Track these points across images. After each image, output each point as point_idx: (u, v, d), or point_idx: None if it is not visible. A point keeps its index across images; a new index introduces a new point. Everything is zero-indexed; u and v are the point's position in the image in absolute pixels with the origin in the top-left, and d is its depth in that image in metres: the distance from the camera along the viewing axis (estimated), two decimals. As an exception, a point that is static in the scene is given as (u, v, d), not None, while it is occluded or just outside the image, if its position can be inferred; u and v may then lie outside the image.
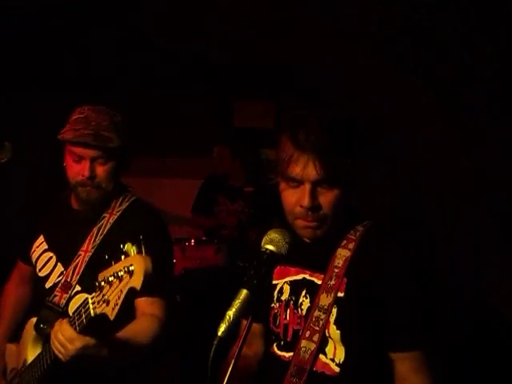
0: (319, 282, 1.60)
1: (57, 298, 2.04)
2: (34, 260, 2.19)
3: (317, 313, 1.56)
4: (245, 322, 1.33)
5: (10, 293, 2.35)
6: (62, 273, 2.08)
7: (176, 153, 5.52)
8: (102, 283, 1.61)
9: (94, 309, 1.63)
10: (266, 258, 1.38)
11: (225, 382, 1.27)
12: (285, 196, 1.58)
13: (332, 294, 1.55)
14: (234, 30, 4.31)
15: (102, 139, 1.99)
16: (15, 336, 2.21)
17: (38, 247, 2.19)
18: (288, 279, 1.68)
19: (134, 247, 1.71)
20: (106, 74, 4.95)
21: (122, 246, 1.73)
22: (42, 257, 2.16)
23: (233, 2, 3.78)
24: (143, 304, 1.97)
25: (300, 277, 1.65)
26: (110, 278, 1.59)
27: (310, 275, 1.63)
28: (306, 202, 1.51)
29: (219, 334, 1.25)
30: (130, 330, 1.90)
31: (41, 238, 2.20)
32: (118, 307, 1.57)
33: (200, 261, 4.18)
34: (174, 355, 3.53)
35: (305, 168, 1.50)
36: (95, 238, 2.07)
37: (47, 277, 2.12)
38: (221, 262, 4.23)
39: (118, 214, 2.11)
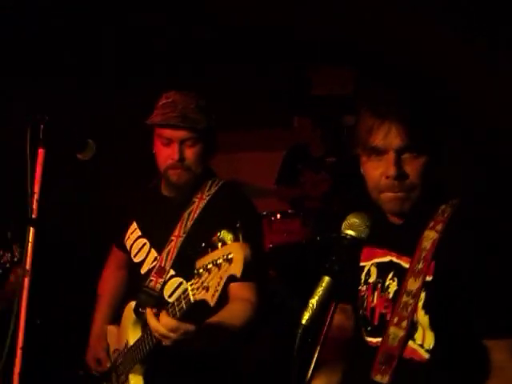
0: (406, 266, 1.56)
1: (152, 283, 2.11)
2: (128, 246, 2.27)
3: (405, 298, 1.52)
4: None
5: (108, 278, 2.46)
6: (155, 258, 2.15)
7: (257, 125, 5.50)
8: (201, 270, 1.64)
9: (193, 295, 1.65)
10: (346, 243, 1.36)
11: (312, 366, 1.29)
12: (367, 170, 1.54)
13: (420, 278, 1.51)
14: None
15: (190, 120, 2.03)
16: (115, 318, 2.32)
17: (131, 234, 2.27)
18: (375, 261, 1.66)
19: (230, 235, 1.73)
20: (183, 48, 4.98)
21: (217, 233, 1.77)
22: (136, 243, 2.24)
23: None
24: (237, 288, 1.99)
25: (387, 259, 1.62)
26: (209, 266, 1.61)
27: (397, 257, 1.59)
28: (392, 170, 1.47)
29: (303, 322, 1.26)
30: (225, 315, 1.93)
31: (134, 225, 2.27)
32: (218, 293, 1.59)
33: (287, 234, 4.20)
34: (266, 331, 3.59)
35: (387, 136, 1.46)
36: (186, 223, 2.12)
37: (142, 262, 2.19)
38: (308, 235, 4.23)
39: (208, 198, 2.15)
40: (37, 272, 1.74)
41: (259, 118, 5.45)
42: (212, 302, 1.61)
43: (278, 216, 4.29)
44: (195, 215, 2.13)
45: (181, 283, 2.05)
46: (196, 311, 1.71)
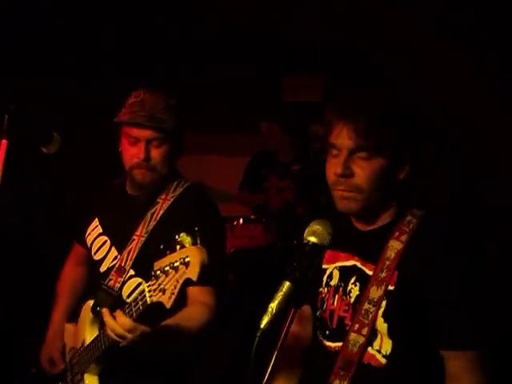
0: (370, 273, 1.58)
1: (112, 282, 2.09)
2: (89, 243, 2.24)
3: (366, 305, 1.55)
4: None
5: (68, 274, 2.42)
6: (116, 257, 2.13)
7: (224, 129, 5.50)
8: (158, 272, 1.64)
9: (150, 297, 1.65)
10: (308, 249, 1.38)
11: (268, 370, 1.30)
12: (327, 168, 1.59)
13: (382, 287, 1.53)
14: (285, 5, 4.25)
15: (157, 120, 2.02)
16: (73, 316, 2.28)
17: (92, 230, 2.24)
18: (338, 264, 1.68)
19: (188, 238, 1.73)
20: (158, 48, 4.96)
21: (176, 236, 1.77)
22: (97, 240, 2.22)
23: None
24: (195, 292, 2.00)
25: (350, 263, 1.64)
26: (166, 268, 1.62)
27: (361, 264, 1.62)
28: (339, 168, 1.52)
29: (262, 326, 1.27)
30: (181, 317, 1.93)
31: (95, 222, 2.25)
32: (174, 296, 1.60)
33: (249, 239, 4.21)
34: (229, 331, 3.60)
35: (340, 134, 1.51)
36: (148, 223, 2.11)
37: (102, 260, 2.17)
38: (269, 240, 4.24)
39: (172, 199, 2.14)
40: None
41: (228, 121, 5.46)
42: (168, 305, 1.61)
43: (241, 221, 4.30)
44: (158, 216, 2.12)
45: (140, 283, 2.01)
46: (152, 313, 1.70)
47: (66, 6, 3.88)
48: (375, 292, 1.54)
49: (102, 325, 1.98)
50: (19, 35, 3.85)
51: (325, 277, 1.70)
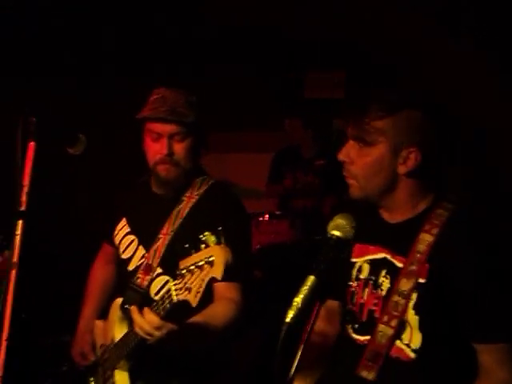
0: (400, 265, 1.58)
1: (139, 280, 2.12)
2: (117, 242, 2.28)
3: (396, 297, 1.55)
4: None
5: (97, 273, 2.46)
6: (143, 255, 2.15)
7: (249, 127, 5.53)
8: (184, 271, 1.66)
9: (176, 295, 1.67)
10: (332, 243, 1.39)
11: (295, 364, 1.31)
12: None
13: (413, 280, 1.53)
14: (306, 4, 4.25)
15: (178, 114, 2.04)
16: (102, 314, 2.32)
17: (120, 230, 2.27)
18: (368, 258, 1.68)
19: (213, 237, 1.75)
20: (180, 48, 4.99)
21: (201, 235, 1.77)
22: (125, 239, 2.24)
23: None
24: (221, 288, 2.01)
25: (381, 256, 1.64)
26: (191, 267, 1.64)
27: (392, 256, 1.62)
28: (339, 154, 1.63)
29: (287, 320, 1.28)
30: (208, 314, 1.94)
31: (123, 221, 2.28)
32: (199, 295, 1.61)
33: (274, 235, 4.22)
34: (255, 328, 3.61)
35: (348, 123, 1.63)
36: (174, 221, 2.13)
37: (130, 259, 2.20)
38: (295, 236, 4.25)
39: (197, 197, 2.15)
40: (24, 265, 1.74)
41: (251, 119, 5.48)
42: (194, 303, 1.63)
43: (266, 217, 4.32)
44: (183, 214, 2.13)
45: (167, 281, 2.03)
46: (179, 310, 1.72)
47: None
48: (405, 284, 1.55)
49: (130, 322, 2.00)
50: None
51: (354, 270, 1.70)
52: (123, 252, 2.24)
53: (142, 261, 2.16)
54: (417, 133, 1.54)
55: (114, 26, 4.39)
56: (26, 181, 1.75)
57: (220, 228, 1.94)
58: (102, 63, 4.55)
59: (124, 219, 2.29)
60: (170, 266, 1.97)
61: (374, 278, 1.64)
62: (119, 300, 2.15)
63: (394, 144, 1.54)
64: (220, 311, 2.00)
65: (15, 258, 1.71)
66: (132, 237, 2.23)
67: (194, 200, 2.15)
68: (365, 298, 1.65)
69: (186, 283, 1.65)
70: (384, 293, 1.61)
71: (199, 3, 4.64)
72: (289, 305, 1.31)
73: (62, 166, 2.97)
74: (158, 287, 2.09)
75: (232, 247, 1.63)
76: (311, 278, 1.33)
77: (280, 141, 5.00)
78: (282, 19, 4.81)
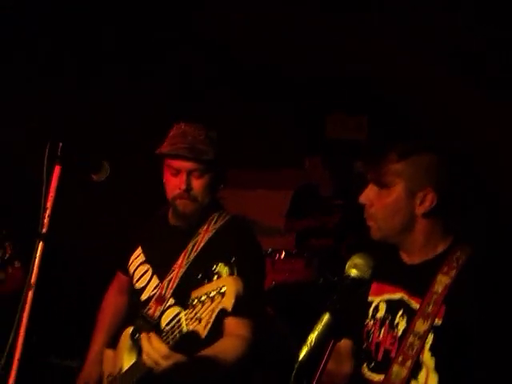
0: (416, 306, 1.59)
1: (151, 311, 2.11)
2: (131, 271, 2.28)
3: (412, 338, 1.55)
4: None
5: (110, 302, 2.46)
6: (157, 285, 2.16)
7: (268, 164, 5.58)
8: (195, 301, 1.66)
9: (186, 325, 1.67)
10: (349, 283, 1.39)
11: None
12: None
13: (429, 321, 1.54)
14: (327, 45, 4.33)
15: (198, 152, 2.06)
16: (113, 343, 2.30)
17: (135, 259, 2.28)
18: (385, 297, 1.69)
19: (226, 268, 1.74)
20: (199, 87, 5.07)
21: (214, 267, 1.77)
22: (139, 269, 2.25)
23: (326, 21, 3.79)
24: (231, 324, 2.00)
25: (398, 296, 1.65)
26: (203, 298, 1.64)
27: (409, 297, 1.62)
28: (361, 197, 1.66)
29: (300, 357, 1.28)
30: (217, 349, 1.94)
31: (139, 250, 2.29)
32: (209, 326, 1.61)
33: (289, 273, 4.21)
34: (270, 365, 3.57)
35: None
36: (189, 254, 2.13)
37: (143, 289, 2.20)
38: (310, 276, 4.22)
39: (213, 231, 2.16)
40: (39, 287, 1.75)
41: (272, 156, 5.53)
42: (203, 334, 1.63)
43: (282, 255, 4.30)
44: (199, 247, 2.14)
45: (179, 313, 2.04)
46: (188, 342, 1.72)
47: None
48: (421, 325, 1.55)
49: (139, 352, 1.99)
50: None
51: (371, 309, 1.71)
52: (137, 281, 2.25)
53: (155, 291, 2.16)
54: (432, 175, 1.59)
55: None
56: (49, 203, 1.78)
57: (233, 259, 1.95)
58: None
59: (140, 248, 2.30)
60: (183, 297, 1.96)
61: (390, 318, 1.65)
62: (130, 329, 2.15)
63: (410, 186, 1.59)
64: (229, 347, 1.99)
65: (33, 280, 1.73)
66: (147, 266, 2.24)
67: (210, 234, 2.16)
68: (381, 337, 1.66)
69: (196, 313, 1.65)
70: (400, 333, 1.61)
71: (225, 40, 4.73)
72: (302, 342, 1.30)
73: (83, 192, 3.00)
74: (170, 318, 2.07)
75: (244, 280, 1.64)
76: (326, 315, 1.33)
77: (297, 179, 5.03)
78: (307, 58, 4.89)
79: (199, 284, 1.70)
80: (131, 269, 2.29)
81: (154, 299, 2.14)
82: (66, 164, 1.84)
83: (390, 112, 5.00)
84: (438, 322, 1.54)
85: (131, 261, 2.30)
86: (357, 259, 1.42)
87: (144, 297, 2.19)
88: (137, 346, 2.06)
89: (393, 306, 1.65)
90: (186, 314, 1.69)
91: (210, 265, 1.85)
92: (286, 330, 3.80)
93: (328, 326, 1.31)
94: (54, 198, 1.79)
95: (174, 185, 2.11)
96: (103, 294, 2.50)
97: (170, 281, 2.13)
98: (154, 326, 2.06)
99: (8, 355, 1.70)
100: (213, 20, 4.25)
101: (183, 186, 2.08)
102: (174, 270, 2.13)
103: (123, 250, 2.39)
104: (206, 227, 2.18)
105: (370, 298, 1.72)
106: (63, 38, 4.25)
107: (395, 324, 1.63)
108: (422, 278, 1.60)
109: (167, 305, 2.11)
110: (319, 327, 1.31)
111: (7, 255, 2.08)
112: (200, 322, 1.63)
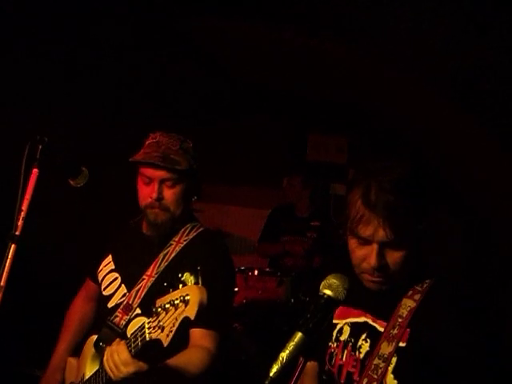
0: (381, 330, 1.60)
1: (117, 319, 2.10)
2: (100, 278, 2.27)
3: (376, 361, 1.56)
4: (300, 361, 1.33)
5: (77, 309, 2.43)
6: (124, 294, 2.15)
7: (247, 182, 5.60)
8: (159, 309, 1.65)
9: (149, 333, 1.66)
10: (323, 302, 1.38)
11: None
12: (351, 246, 1.60)
13: (393, 344, 1.55)
14: (314, 69, 4.37)
15: (170, 161, 2.07)
16: (76, 350, 2.29)
17: (105, 266, 2.27)
18: (349, 320, 1.69)
19: (191, 277, 1.73)
20: (184, 102, 5.08)
21: (180, 275, 1.75)
22: (108, 276, 2.24)
23: (312, 46, 3.84)
24: (196, 335, 2.00)
25: (362, 319, 1.66)
26: (167, 306, 1.63)
27: (373, 321, 1.64)
28: (373, 261, 1.53)
29: (271, 374, 1.27)
30: (180, 359, 1.93)
31: (109, 258, 2.28)
32: (172, 334, 1.60)
33: (262, 291, 4.21)
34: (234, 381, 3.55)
35: (375, 229, 1.51)
36: (160, 264, 2.13)
37: (110, 296, 2.19)
38: (282, 295, 4.22)
39: (185, 243, 2.16)
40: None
41: (251, 174, 5.54)
42: (165, 343, 1.61)
43: (256, 272, 4.30)
44: (170, 257, 2.14)
45: (143, 323, 2.03)
46: (151, 350, 1.70)
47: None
48: (386, 348, 1.55)
49: (102, 360, 1.96)
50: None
51: (335, 331, 1.71)
52: (105, 289, 2.23)
53: (122, 299, 2.15)
54: (426, 211, 1.55)
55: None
56: (25, 206, 1.76)
57: (199, 269, 1.94)
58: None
59: (110, 256, 2.29)
60: (150, 307, 1.96)
61: (353, 341, 1.65)
62: (94, 337, 2.12)
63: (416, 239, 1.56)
64: (193, 358, 1.98)
65: (3, 282, 1.70)
66: (116, 274, 2.23)
67: (181, 245, 2.16)
68: (344, 359, 1.66)
69: (159, 321, 1.64)
70: (362, 356, 1.61)
71: (218, 57, 4.75)
72: (272, 360, 1.29)
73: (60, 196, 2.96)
74: (135, 328, 2.03)
75: (209, 290, 1.62)
76: (298, 334, 1.32)
77: (274, 198, 5.05)
78: (291, 81, 4.93)
79: (164, 292, 1.69)
80: (100, 275, 2.27)
81: (120, 307, 2.13)
82: (44, 167, 1.82)
83: (369, 134, 5.04)
84: (402, 344, 1.55)
85: (101, 268, 2.29)
86: (332, 279, 1.42)
87: (111, 304, 2.17)
88: (100, 355, 2.04)
89: (357, 329, 1.66)
90: (149, 323, 1.68)
91: (177, 274, 1.83)
92: (253, 348, 3.78)
93: (300, 345, 1.30)
94: (30, 201, 1.77)
95: (145, 193, 2.12)
96: (70, 301, 2.46)
97: (138, 290, 2.12)
98: (120, 335, 2.04)
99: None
100: (205, 33, 4.26)
101: (154, 195, 2.09)
102: (143, 280, 2.12)
103: (93, 257, 2.37)
104: (178, 238, 2.18)
105: (334, 321, 1.72)
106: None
107: (358, 346, 1.63)
108: (388, 301, 1.61)
109: (134, 314, 2.09)
110: (291, 346, 1.30)
111: None
112: (163, 330, 1.62)
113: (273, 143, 5.60)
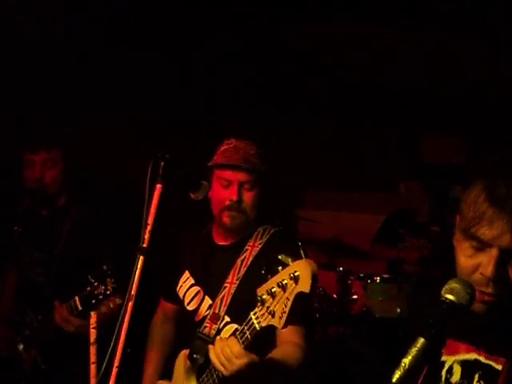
0: (498, 367, 1.38)
1: (207, 329, 2.13)
2: (181, 295, 2.29)
3: None
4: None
5: (156, 331, 2.44)
6: (210, 305, 2.18)
7: (361, 187, 5.50)
8: (264, 296, 1.64)
9: (258, 323, 1.66)
10: (445, 307, 1.33)
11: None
12: (460, 252, 1.38)
13: None
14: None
15: (251, 163, 2.13)
16: (164, 373, 2.30)
17: (184, 282, 2.30)
18: (458, 358, 1.49)
19: (289, 258, 1.70)
20: (297, 108, 5.10)
21: (276, 260, 1.76)
22: (190, 291, 2.27)
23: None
24: (285, 331, 1.93)
25: (472, 357, 1.45)
26: (274, 289, 1.61)
27: (486, 358, 1.42)
28: (489, 270, 1.29)
29: (393, 380, 1.25)
30: (279, 354, 1.94)
31: (186, 274, 2.31)
32: (285, 315, 1.59)
33: (382, 298, 4.13)
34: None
35: (499, 231, 1.27)
36: (239, 269, 2.16)
37: (196, 310, 2.22)
38: (402, 302, 4.11)
39: (260, 246, 2.19)
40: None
41: (364, 179, 5.46)
42: (280, 326, 1.61)
43: (378, 279, 4.22)
44: (248, 262, 2.17)
45: (236, 329, 2.00)
46: (261, 341, 1.72)
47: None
48: None
49: (199, 373, 2.02)
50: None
51: (443, 371, 1.51)
52: (188, 303, 2.26)
53: (208, 311, 2.17)
54: None
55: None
56: (151, 220, 1.88)
57: (295, 247, 1.88)
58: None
59: (187, 272, 2.31)
60: (238, 313, 1.99)
61: (466, 383, 1.45)
62: (185, 351, 2.12)
63: None
64: (290, 353, 1.98)
65: (133, 291, 1.81)
66: (197, 288, 2.26)
67: (257, 249, 2.18)
68: None
69: (268, 307, 1.63)
70: None
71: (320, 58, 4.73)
72: (396, 366, 1.27)
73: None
74: (227, 336, 2.04)
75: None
76: (421, 340, 1.28)
77: (390, 203, 4.92)
78: (402, 79, 4.82)
79: (262, 280, 1.67)
80: (181, 292, 2.29)
81: (208, 318, 2.16)
82: (166, 182, 1.93)
83: (491, 135, 4.79)
84: None
85: (180, 285, 2.31)
86: (454, 284, 1.33)
87: (198, 317, 2.20)
88: (196, 367, 2.06)
89: (468, 369, 1.44)
90: (255, 313, 1.67)
91: (269, 261, 1.77)
92: (374, 356, 3.71)
93: (422, 351, 1.26)
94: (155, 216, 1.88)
95: (223, 196, 2.15)
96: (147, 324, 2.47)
97: (222, 298, 2.15)
98: (212, 344, 2.01)
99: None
100: (304, 34, 4.28)
101: (235, 197, 2.12)
102: (225, 288, 2.15)
103: (166, 278, 2.40)
104: (252, 242, 2.21)
105: (442, 358, 1.48)
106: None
107: None
108: (502, 333, 1.38)
109: (223, 322, 2.12)
110: (413, 351, 1.26)
111: (108, 291, 2.14)
112: (274, 315, 1.61)
113: (385, 147, 5.47)
